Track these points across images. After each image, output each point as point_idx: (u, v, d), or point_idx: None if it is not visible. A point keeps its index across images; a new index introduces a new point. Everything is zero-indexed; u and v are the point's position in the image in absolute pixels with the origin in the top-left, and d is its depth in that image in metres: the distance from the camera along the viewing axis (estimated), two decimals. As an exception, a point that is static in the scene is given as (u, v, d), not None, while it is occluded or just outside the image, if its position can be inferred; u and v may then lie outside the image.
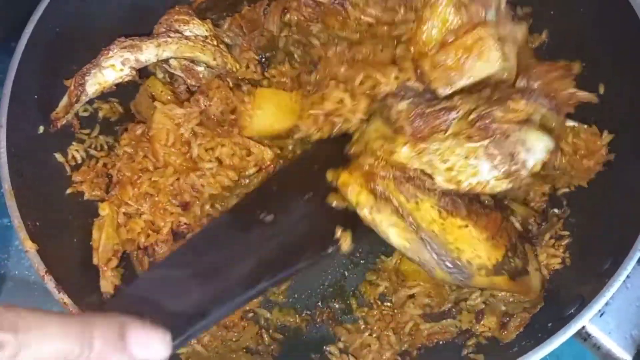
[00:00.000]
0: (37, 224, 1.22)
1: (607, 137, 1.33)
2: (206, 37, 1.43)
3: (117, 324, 0.75)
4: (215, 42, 1.44)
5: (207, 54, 1.41)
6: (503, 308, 1.27)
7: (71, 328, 0.70)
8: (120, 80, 1.35)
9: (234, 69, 1.47)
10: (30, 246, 1.17)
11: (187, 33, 1.42)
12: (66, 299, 1.13)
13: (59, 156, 1.39)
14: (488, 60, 1.16)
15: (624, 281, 1.08)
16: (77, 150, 1.42)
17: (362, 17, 1.36)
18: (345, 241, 1.16)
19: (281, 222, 1.16)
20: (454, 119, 1.12)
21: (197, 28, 1.43)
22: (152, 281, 1.02)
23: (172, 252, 1.17)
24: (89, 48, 1.44)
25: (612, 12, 1.30)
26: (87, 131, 1.47)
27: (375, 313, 1.36)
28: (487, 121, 1.08)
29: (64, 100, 1.35)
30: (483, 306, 1.28)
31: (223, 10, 1.56)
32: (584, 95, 1.28)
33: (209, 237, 1.14)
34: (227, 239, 1.13)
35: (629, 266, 1.08)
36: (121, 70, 1.33)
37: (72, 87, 1.32)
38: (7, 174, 1.22)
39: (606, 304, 1.08)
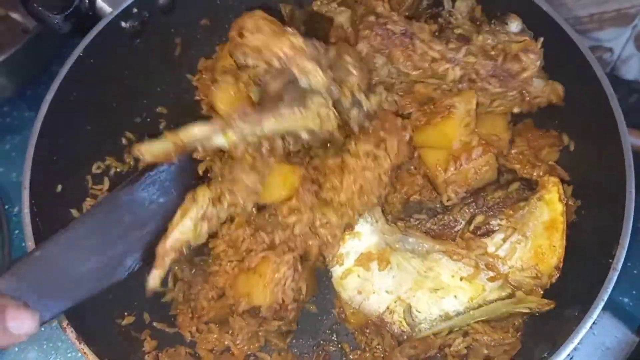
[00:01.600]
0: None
1: (567, 189, 1.46)
2: None
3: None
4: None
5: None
6: (485, 352, 1.37)
7: None
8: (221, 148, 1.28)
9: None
10: (52, 300, 1.27)
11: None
12: (86, 349, 1.23)
13: (74, 212, 1.49)
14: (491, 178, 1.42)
15: (590, 328, 1.19)
16: (91, 205, 1.53)
17: (429, 51, 1.40)
18: None
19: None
20: (458, 229, 1.39)
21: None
22: (34, 264, 1.16)
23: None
24: (103, 110, 1.58)
25: (577, 76, 1.44)
26: (99, 187, 1.58)
27: (367, 356, 1.45)
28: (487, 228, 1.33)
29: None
30: (466, 351, 1.37)
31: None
32: (562, 172, 1.49)
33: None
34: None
35: (594, 314, 1.19)
36: (232, 140, 1.23)
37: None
38: (31, 232, 1.32)
39: (575, 349, 1.19)
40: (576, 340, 1.18)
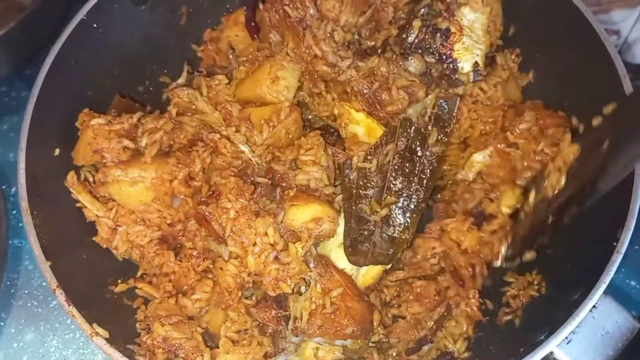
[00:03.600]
0: (51, 241, 1.30)
1: None
2: None
3: None
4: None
5: None
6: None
7: None
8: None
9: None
10: (44, 262, 1.25)
11: None
12: (75, 312, 1.22)
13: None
14: None
15: (590, 311, 1.16)
16: (89, 171, 1.51)
17: (314, 47, 1.42)
18: None
19: None
20: None
21: None
22: None
23: None
24: (106, 76, 1.56)
25: (590, 56, 1.40)
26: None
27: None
28: None
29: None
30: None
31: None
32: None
33: None
34: None
35: (595, 297, 1.15)
36: None
37: None
38: (25, 193, 1.31)
39: (573, 332, 1.15)
40: (574, 323, 1.14)
